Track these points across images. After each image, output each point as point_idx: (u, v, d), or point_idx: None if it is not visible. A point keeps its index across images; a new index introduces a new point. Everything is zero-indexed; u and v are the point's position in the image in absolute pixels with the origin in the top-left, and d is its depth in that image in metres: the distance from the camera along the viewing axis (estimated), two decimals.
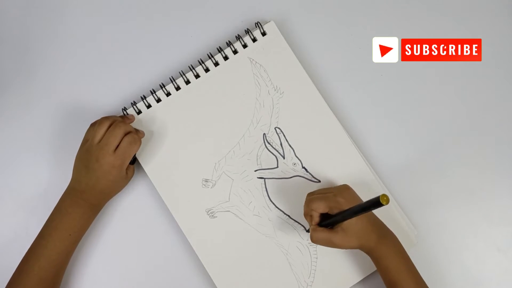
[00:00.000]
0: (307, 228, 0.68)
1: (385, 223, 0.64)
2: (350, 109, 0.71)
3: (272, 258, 0.68)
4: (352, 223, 0.60)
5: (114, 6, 0.73)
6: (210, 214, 0.68)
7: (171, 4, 0.73)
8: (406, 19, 0.73)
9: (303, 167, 0.69)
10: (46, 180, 0.70)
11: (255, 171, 0.69)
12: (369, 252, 0.62)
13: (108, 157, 0.63)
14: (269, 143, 0.69)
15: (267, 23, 0.70)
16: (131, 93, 0.71)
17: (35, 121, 0.71)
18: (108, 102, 0.71)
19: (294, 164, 0.68)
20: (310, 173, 0.68)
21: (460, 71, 0.72)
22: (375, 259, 0.62)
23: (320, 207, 0.61)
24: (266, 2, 0.73)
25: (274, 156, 0.69)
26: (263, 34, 0.69)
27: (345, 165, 0.69)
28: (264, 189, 0.68)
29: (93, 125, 0.66)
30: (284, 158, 0.69)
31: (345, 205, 0.60)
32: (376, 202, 0.52)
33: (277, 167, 0.69)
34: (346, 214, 0.59)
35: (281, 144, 0.69)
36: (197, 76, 0.69)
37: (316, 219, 0.62)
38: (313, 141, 0.69)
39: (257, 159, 0.69)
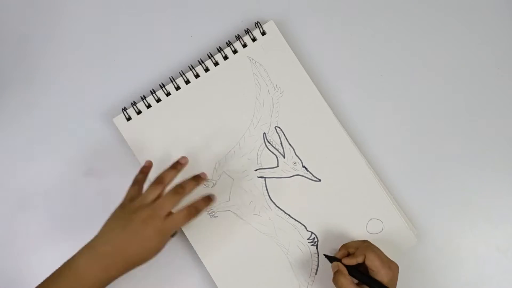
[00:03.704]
0: (308, 228, 0.68)
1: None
2: (349, 108, 0.71)
3: (272, 257, 0.67)
4: None
5: (114, 6, 0.73)
6: (210, 214, 0.68)
7: (170, 3, 0.73)
8: (406, 20, 0.73)
9: (303, 166, 0.69)
10: (46, 180, 0.70)
11: (255, 170, 0.69)
12: None
13: (157, 221, 0.57)
14: (269, 143, 0.69)
15: (266, 22, 0.70)
16: (131, 93, 0.71)
17: (35, 121, 0.71)
18: (108, 102, 0.71)
19: (295, 163, 0.68)
20: (310, 172, 0.68)
21: (461, 72, 0.73)
22: None
23: (370, 258, 0.60)
24: (265, 2, 0.73)
25: (274, 156, 0.69)
26: (263, 33, 0.70)
27: (345, 164, 0.69)
28: (265, 188, 0.68)
29: (136, 183, 0.61)
30: (284, 157, 0.69)
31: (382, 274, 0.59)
32: None
33: (278, 166, 0.69)
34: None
35: (281, 144, 0.69)
36: (197, 76, 0.69)
37: (354, 262, 0.61)
38: (313, 140, 0.69)
39: (257, 158, 0.69)
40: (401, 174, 0.71)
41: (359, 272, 0.61)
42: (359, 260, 0.60)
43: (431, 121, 0.72)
